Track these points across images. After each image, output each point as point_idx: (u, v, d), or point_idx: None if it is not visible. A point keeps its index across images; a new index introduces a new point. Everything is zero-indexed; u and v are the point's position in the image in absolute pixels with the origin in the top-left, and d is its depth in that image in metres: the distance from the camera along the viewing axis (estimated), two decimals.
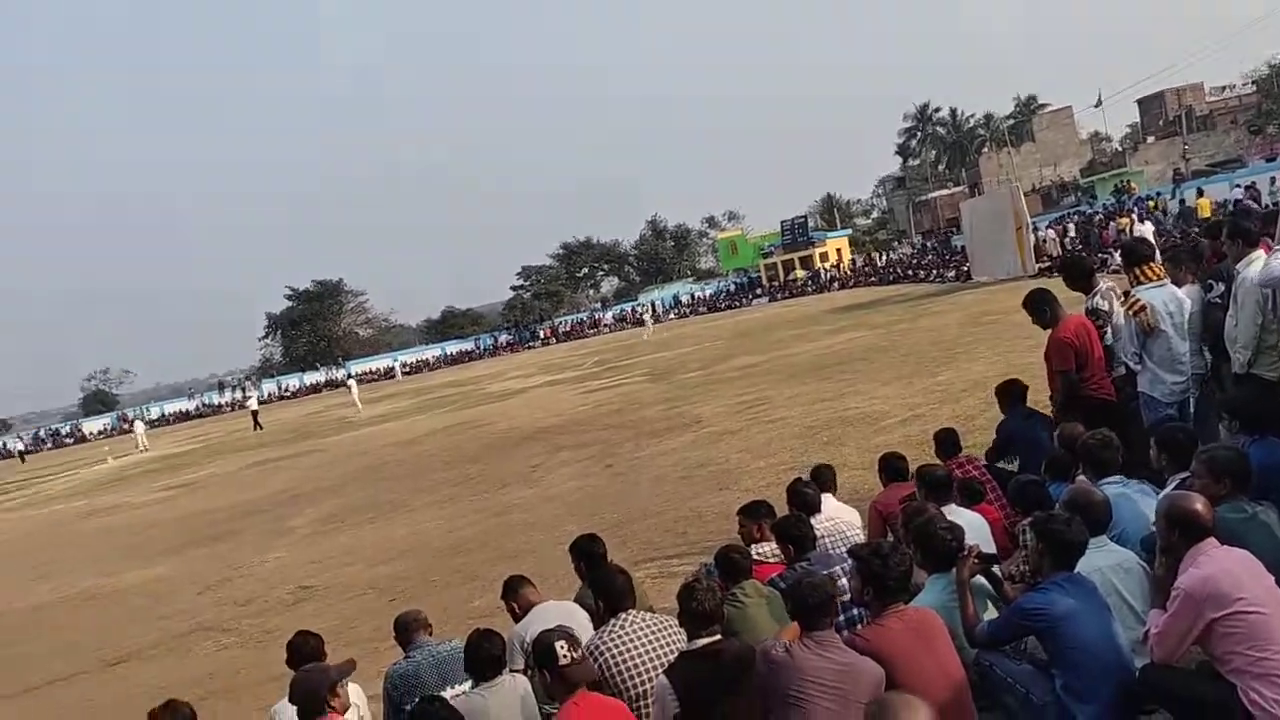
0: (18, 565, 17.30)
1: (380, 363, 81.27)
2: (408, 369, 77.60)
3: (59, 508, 26.79)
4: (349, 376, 60.93)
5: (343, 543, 13.42)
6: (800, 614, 4.11)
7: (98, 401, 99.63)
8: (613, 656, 4.58)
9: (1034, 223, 37.01)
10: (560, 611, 5.36)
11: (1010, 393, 7.38)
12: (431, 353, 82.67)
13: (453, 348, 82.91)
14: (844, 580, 5.03)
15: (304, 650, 5.33)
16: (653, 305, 73.97)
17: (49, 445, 78.70)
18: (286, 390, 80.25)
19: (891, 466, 6.68)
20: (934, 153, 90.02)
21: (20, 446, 72.14)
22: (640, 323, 64.63)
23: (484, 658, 4.60)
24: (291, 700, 4.38)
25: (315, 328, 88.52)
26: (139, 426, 52.93)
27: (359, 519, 14.99)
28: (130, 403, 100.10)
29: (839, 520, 6.07)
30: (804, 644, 4.01)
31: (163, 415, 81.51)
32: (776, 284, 71.82)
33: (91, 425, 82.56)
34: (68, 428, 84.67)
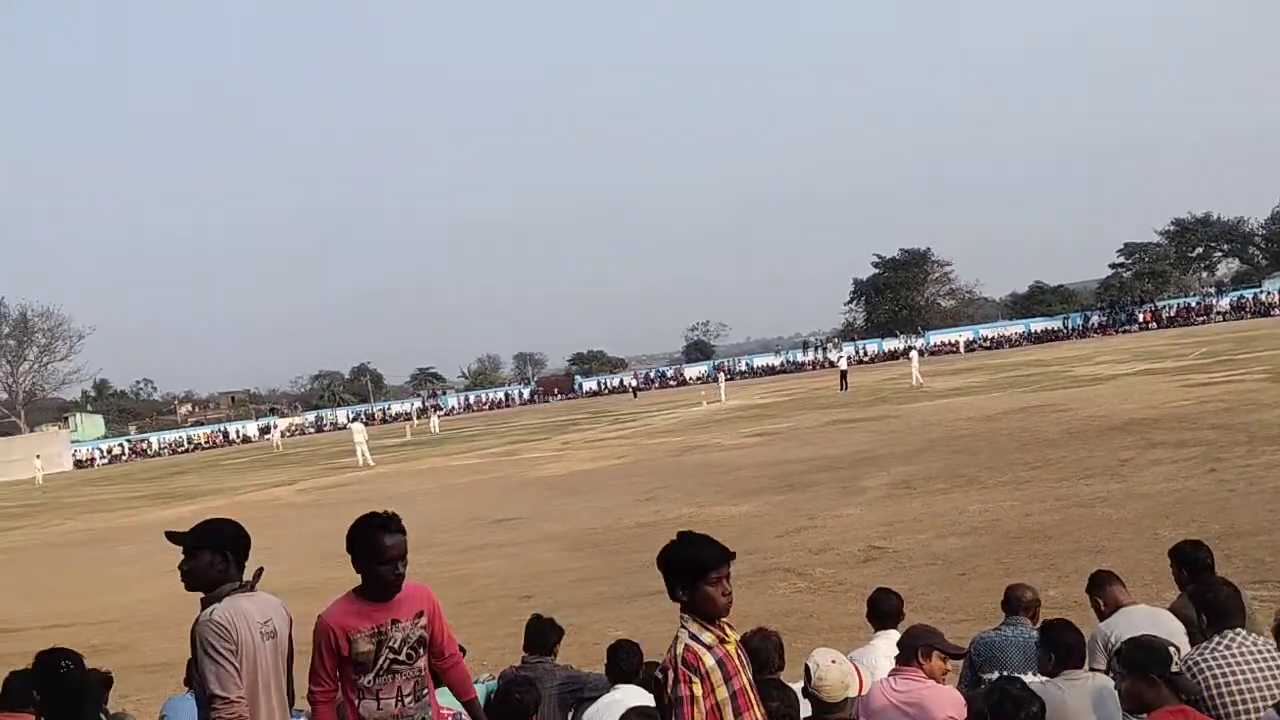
0: (631, 486, 19.92)
1: (954, 335, 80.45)
2: (988, 343, 75.89)
3: (661, 440, 30.31)
4: (908, 349, 61.17)
5: (914, 509, 13.63)
6: None
7: (697, 350, 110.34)
8: (1215, 676, 4.20)
9: None
10: (1151, 617, 5.02)
11: None
12: (1013, 329, 79.89)
13: (1037, 325, 79.37)
14: None
15: (883, 606, 5.58)
16: None
17: (655, 385, 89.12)
18: (865, 355, 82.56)
19: None
20: None
21: (634, 383, 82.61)
22: None
23: (1057, 646, 4.49)
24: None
25: (898, 295, 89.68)
26: (721, 378, 57.97)
27: (930, 488, 15.10)
28: (724, 354, 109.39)
29: None
30: None
31: (749, 368, 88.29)
32: None
33: (691, 371, 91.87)
34: (671, 371, 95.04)
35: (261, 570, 4.05)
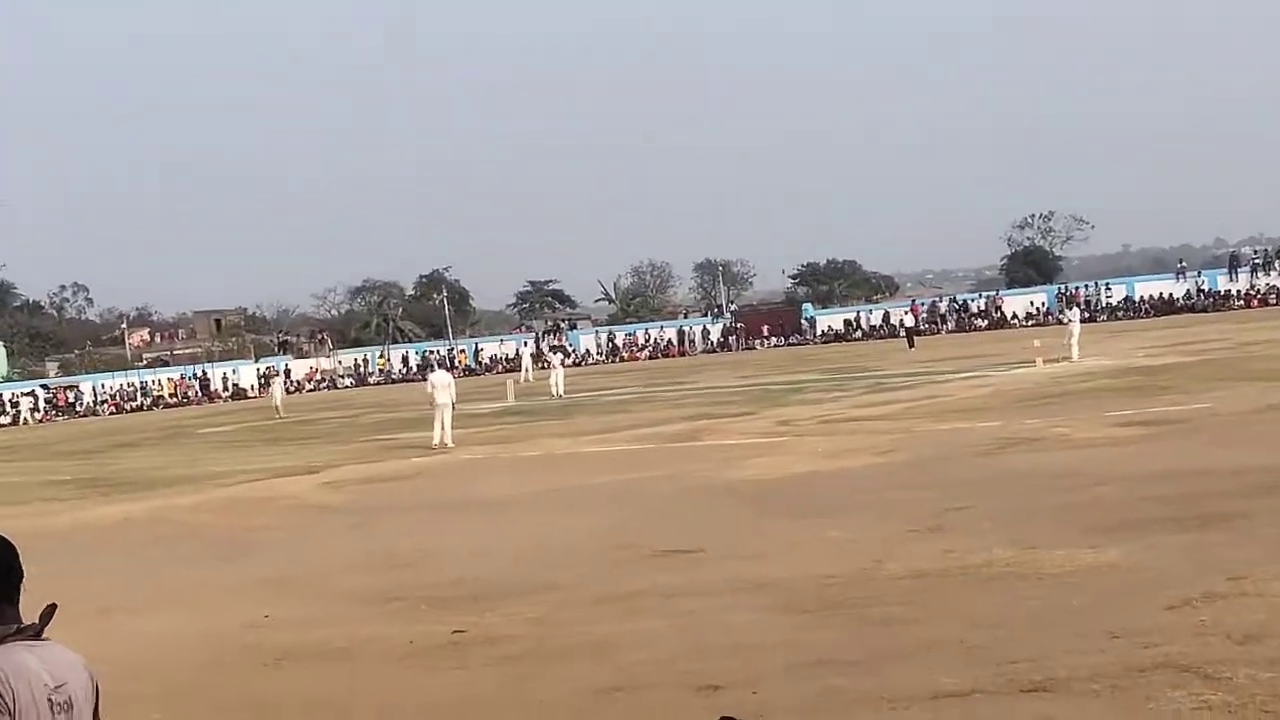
0: (901, 505, 19.81)
1: None
2: None
3: (958, 426, 29.93)
4: None
5: None
6: None
7: (1028, 264, 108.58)
8: None
9: None
10: None
11: None
12: None
13: None
14: None
15: None
16: None
17: (949, 325, 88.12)
18: None
19: None
20: None
21: (910, 321, 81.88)
22: None
23: None
24: None
25: None
26: (1074, 316, 55.76)
27: None
28: (1077, 273, 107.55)
29: None
30: None
31: (1128, 301, 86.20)
32: None
33: (1015, 302, 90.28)
34: (980, 301, 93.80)
35: (53, 609, 4.22)
